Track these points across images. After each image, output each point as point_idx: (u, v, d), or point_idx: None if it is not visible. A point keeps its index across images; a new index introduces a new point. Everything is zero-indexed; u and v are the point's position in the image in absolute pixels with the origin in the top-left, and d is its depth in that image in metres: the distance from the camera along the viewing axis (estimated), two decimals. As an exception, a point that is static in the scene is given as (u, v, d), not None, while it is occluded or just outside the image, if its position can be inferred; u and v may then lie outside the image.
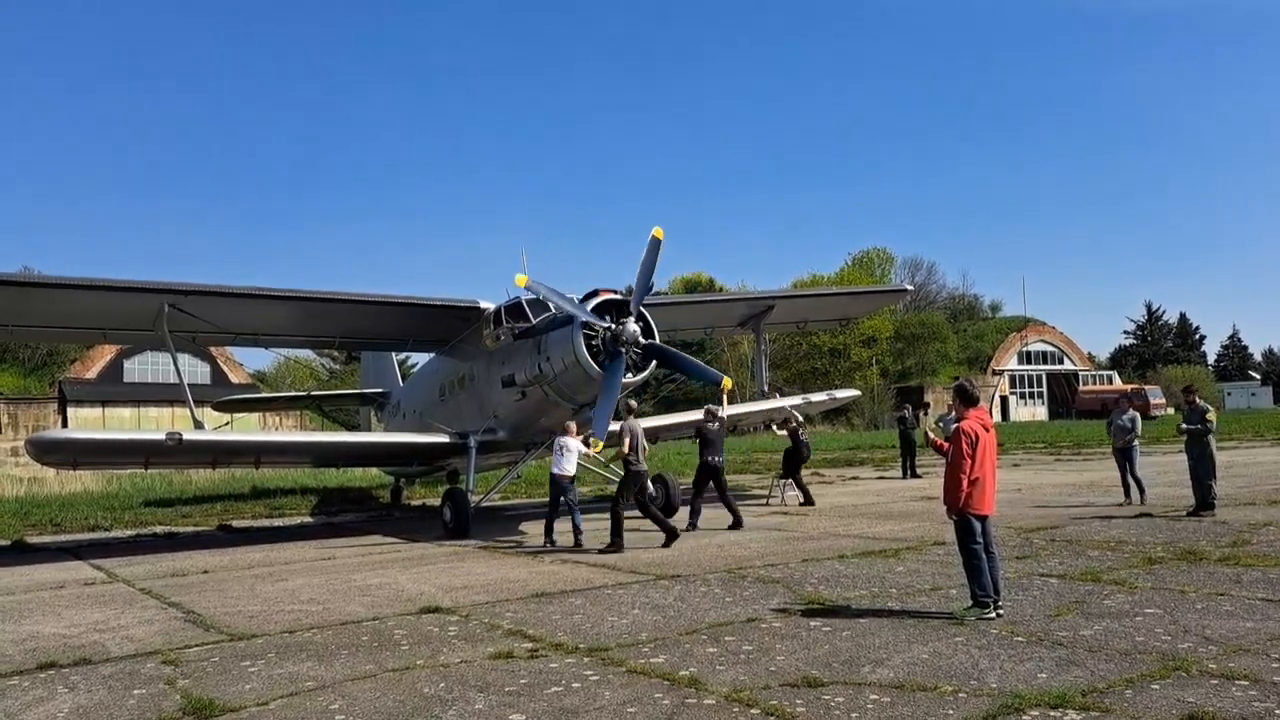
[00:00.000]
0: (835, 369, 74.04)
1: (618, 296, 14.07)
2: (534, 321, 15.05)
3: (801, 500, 17.98)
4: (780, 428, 19.11)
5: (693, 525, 14.38)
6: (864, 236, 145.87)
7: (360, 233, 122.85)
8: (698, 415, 20.40)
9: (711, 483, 14.34)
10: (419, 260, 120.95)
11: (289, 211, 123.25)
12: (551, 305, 14.20)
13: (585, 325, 13.68)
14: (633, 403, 13.17)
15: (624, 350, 13.53)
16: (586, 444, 13.13)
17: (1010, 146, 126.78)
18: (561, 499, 13.08)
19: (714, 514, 16.69)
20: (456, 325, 17.04)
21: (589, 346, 13.64)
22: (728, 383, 14.03)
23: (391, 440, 17.13)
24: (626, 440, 12.56)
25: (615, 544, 12.26)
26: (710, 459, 14.46)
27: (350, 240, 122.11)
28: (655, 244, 13.66)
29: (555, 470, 13.33)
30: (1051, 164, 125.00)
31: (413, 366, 68.86)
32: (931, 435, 8.70)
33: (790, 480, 19.08)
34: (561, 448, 13.17)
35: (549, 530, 13.31)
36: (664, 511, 16.50)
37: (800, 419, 19.51)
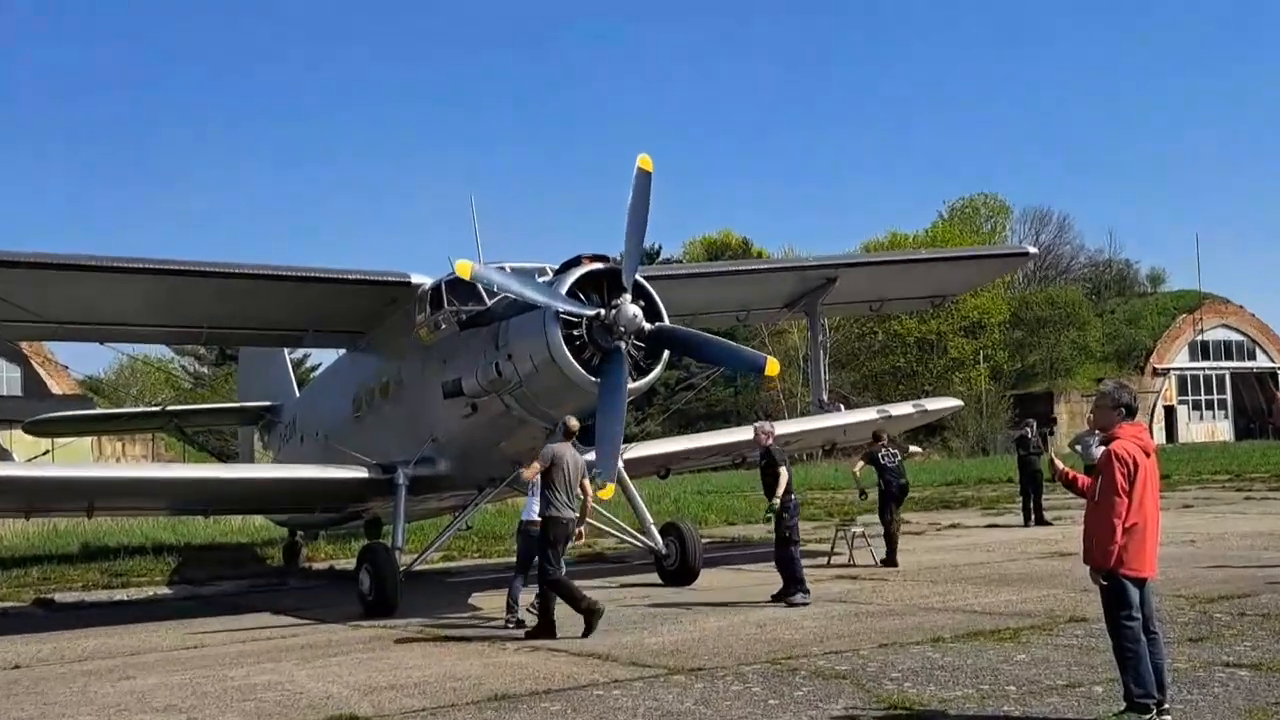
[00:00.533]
0: (925, 369, 74.25)
1: (609, 265, 14.09)
2: (489, 303, 15.10)
3: (883, 558, 18.00)
4: (870, 451, 19.01)
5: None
6: (963, 180, 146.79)
7: (265, 195, 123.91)
8: (728, 436, 20.58)
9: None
10: (347, 229, 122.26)
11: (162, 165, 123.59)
12: (512, 293, 14.22)
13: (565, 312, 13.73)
14: (572, 421, 13.12)
15: (623, 343, 13.58)
16: (592, 481, 13.30)
17: (1180, 48, 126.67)
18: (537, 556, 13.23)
19: (726, 578, 16.70)
20: (378, 309, 17.09)
21: (570, 338, 13.67)
22: (774, 365, 14.12)
23: (284, 476, 17.21)
24: (531, 469, 12.65)
25: (543, 625, 12.46)
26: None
27: (252, 204, 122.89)
28: (644, 181, 13.78)
29: (525, 516, 13.42)
30: (1241, 75, 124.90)
31: (313, 370, 69.51)
32: (1059, 465, 8.63)
33: (859, 531, 19.11)
34: (536, 486, 13.31)
35: (513, 602, 13.38)
36: (682, 574, 16.59)
37: (887, 435, 19.57)
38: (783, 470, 14.31)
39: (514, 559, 14.06)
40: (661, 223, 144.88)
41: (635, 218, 13.78)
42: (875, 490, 18.91)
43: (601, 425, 13.50)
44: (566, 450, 12.76)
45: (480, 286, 14.95)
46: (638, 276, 13.98)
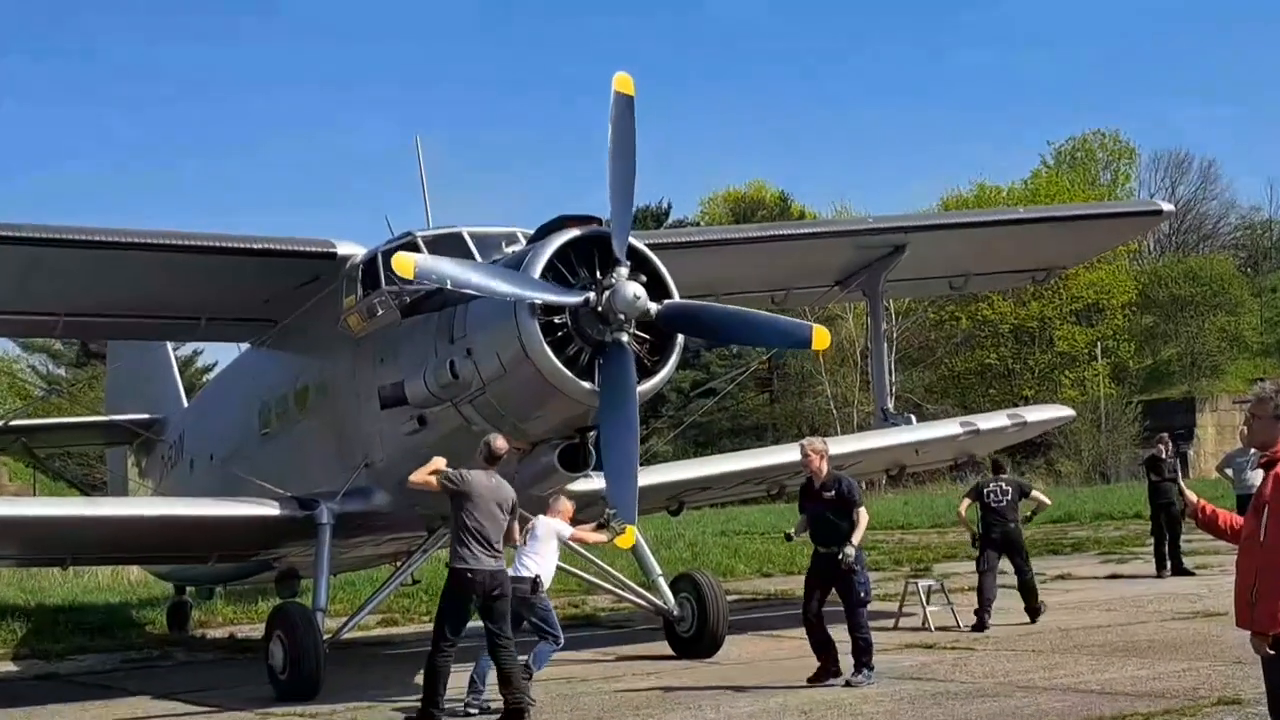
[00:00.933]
0: (1025, 368, 74.30)
1: (601, 230, 14.10)
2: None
3: (975, 622, 18.08)
4: (978, 484, 18.97)
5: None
6: (1074, 115, 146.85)
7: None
8: (761, 458, 20.53)
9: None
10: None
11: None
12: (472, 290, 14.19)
13: (544, 279, 13.71)
14: (498, 442, 13.09)
15: (624, 334, 13.60)
16: (607, 526, 13.61)
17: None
18: (523, 622, 13.37)
19: (760, 648, 16.66)
20: (293, 290, 17.11)
21: (550, 327, 13.67)
22: (823, 335, 14.20)
23: (168, 514, 17.18)
24: (420, 473, 13.12)
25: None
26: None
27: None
28: (625, 110, 13.93)
29: (512, 571, 13.46)
30: None
31: (207, 372, 69.58)
32: (1191, 497, 8.52)
33: (936, 585, 19.06)
34: (531, 530, 13.55)
35: (478, 679, 13.49)
36: (700, 644, 16.54)
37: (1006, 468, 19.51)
38: (863, 509, 14.16)
39: (478, 623, 14.06)
40: (671, 173, 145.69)
41: (619, 161, 13.85)
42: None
43: (610, 445, 13.65)
44: (484, 479, 12.80)
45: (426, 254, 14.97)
46: (635, 241, 14.00)
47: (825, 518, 14.21)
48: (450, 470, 12.90)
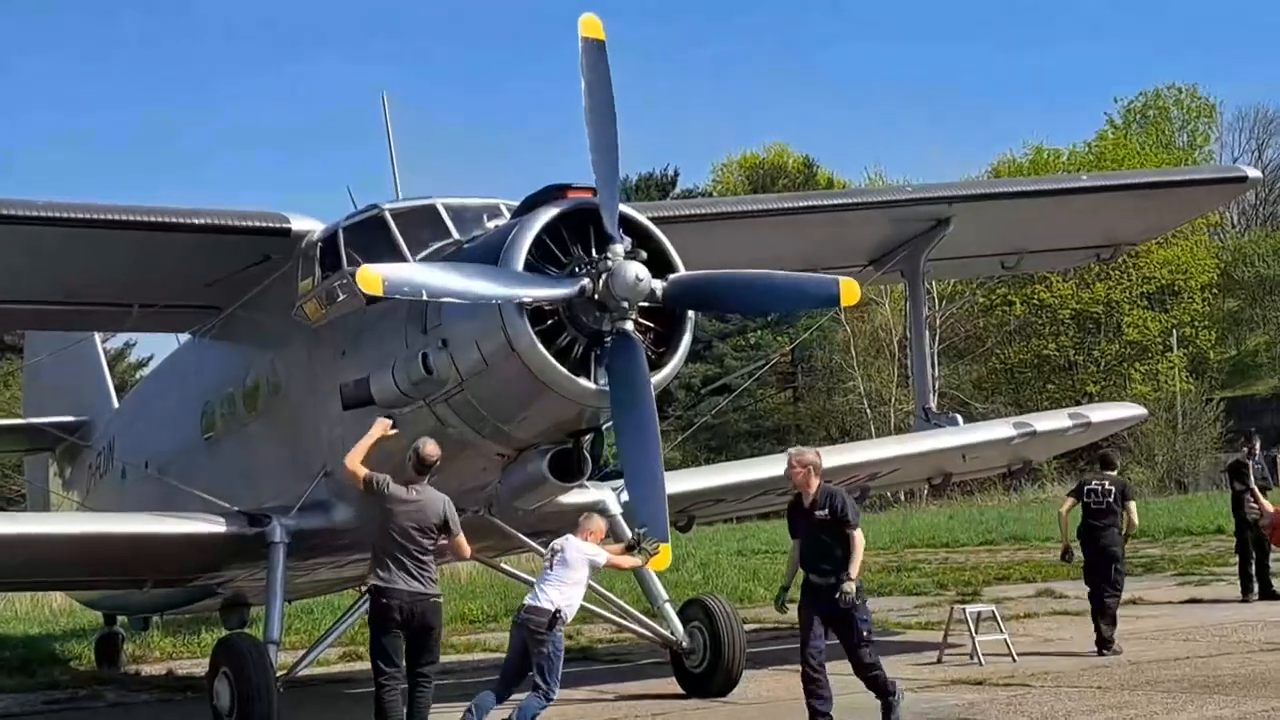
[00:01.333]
0: (1088, 360, 74.21)
1: (590, 200, 14.17)
2: (412, 260, 15.12)
3: (1097, 643, 18.09)
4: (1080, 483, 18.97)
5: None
6: (1145, 68, 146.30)
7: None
8: (783, 466, 20.50)
9: None
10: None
11: None
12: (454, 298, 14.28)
13: (532, 258, 13.76)
14: (429, 447, 13.42)
15: (628, 322, 13.64)
16: (638, 548, 13.77)
17: None
18: (535, 656, 13.41)
19: (781, 684, 16.70)
20: (240, 273, 17.10)
21: (540, 315, 13.73)
22: (852, 288, 14.24)
23: (96, 532, 17.16)
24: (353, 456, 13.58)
25: None
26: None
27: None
28: (596, 56, 14.05)
29: (530, 600, 13.57)
30: None
31: (140, 368, 69.61)
32: (1265, 505, 8.54)
33: (986, 611, 19.08)
34: (558, 554, 13.57)
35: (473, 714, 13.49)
36: (712, 680, 16.58)
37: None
38: (858, 533, 13.93)
39: (463, 659, 14.20)
40: (678, 136, 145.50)
41: (598, 121, 13.88)
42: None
43: (628, 451, 13.82)
44: (401, 494, 13.09)
45: (394, 229, 15.09)
46: (630, 211, 14.14)
47: (819, 540, 13.75)
48: (376, 474, 13.25)
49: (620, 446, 14.01)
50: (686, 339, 14.39)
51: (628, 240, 13.76)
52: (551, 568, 13.58)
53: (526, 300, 13.53)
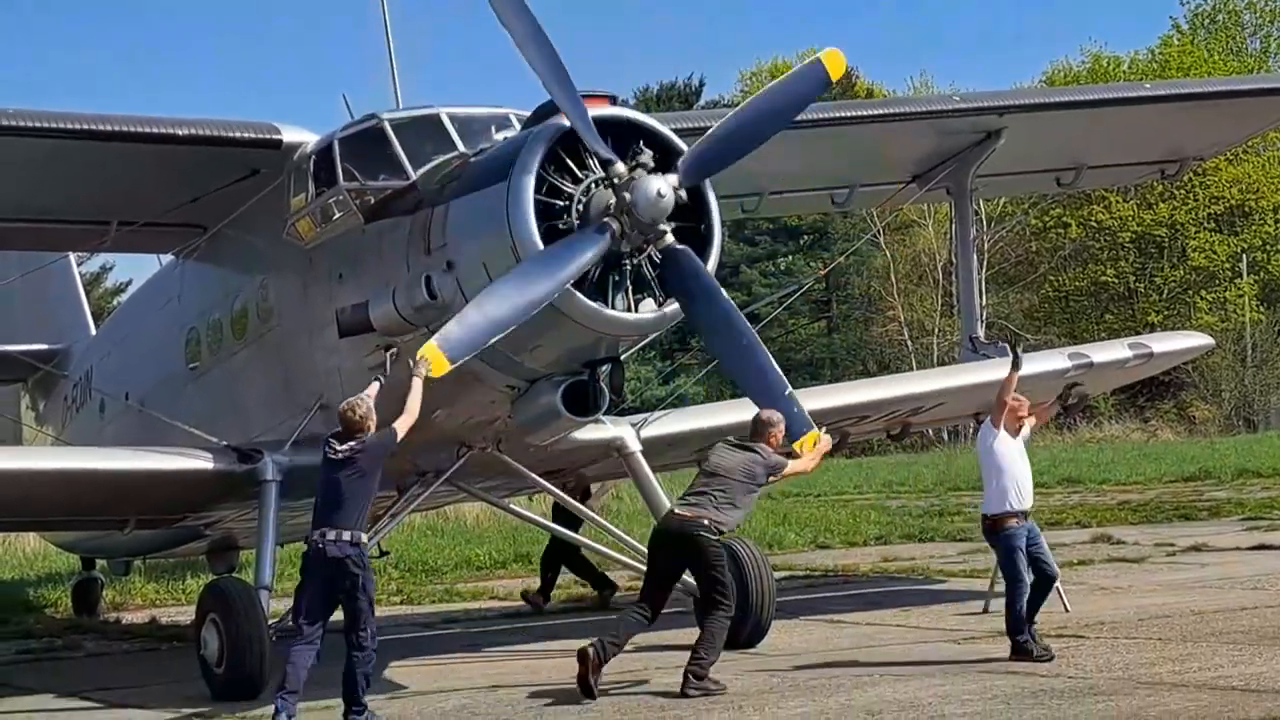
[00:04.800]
0: (1150, 287, 73.92)
1: (615, 113, 14.18)
2: (413, 175, 15.22)
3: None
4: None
5: None
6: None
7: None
8: (815, 400, 20.50)
9: None
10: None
11: None
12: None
13: (545, 172, 13.76)
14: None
15: (667, 236, 13.65)
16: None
17: None
18: None
19: (815, 635, 16.75)
20: (227, 188, 17.09)
21: (554, 232, 13.70)
22: (836, 57, 14.63)
23: (73, 468, 17.27)
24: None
25: None
26: None
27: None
28: None
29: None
30: None
31: (119, 292, 69.58)
32: None
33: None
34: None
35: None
36: (740, 630, 16.67)
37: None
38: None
39: (468, 607, 14.25)
40: (703, 43, 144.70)
41: (530, 49, 13.70)
42: None
43: (739, 366, 14.43)
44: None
45: (394, 141, 15.13)
46: (616, 112, 14.21)
47: None
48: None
49: (725, 364, 14.72)
50: (716, 216, 14.42)
51: (647, 154, 13.72)
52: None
53: (574, 276, 13.41)
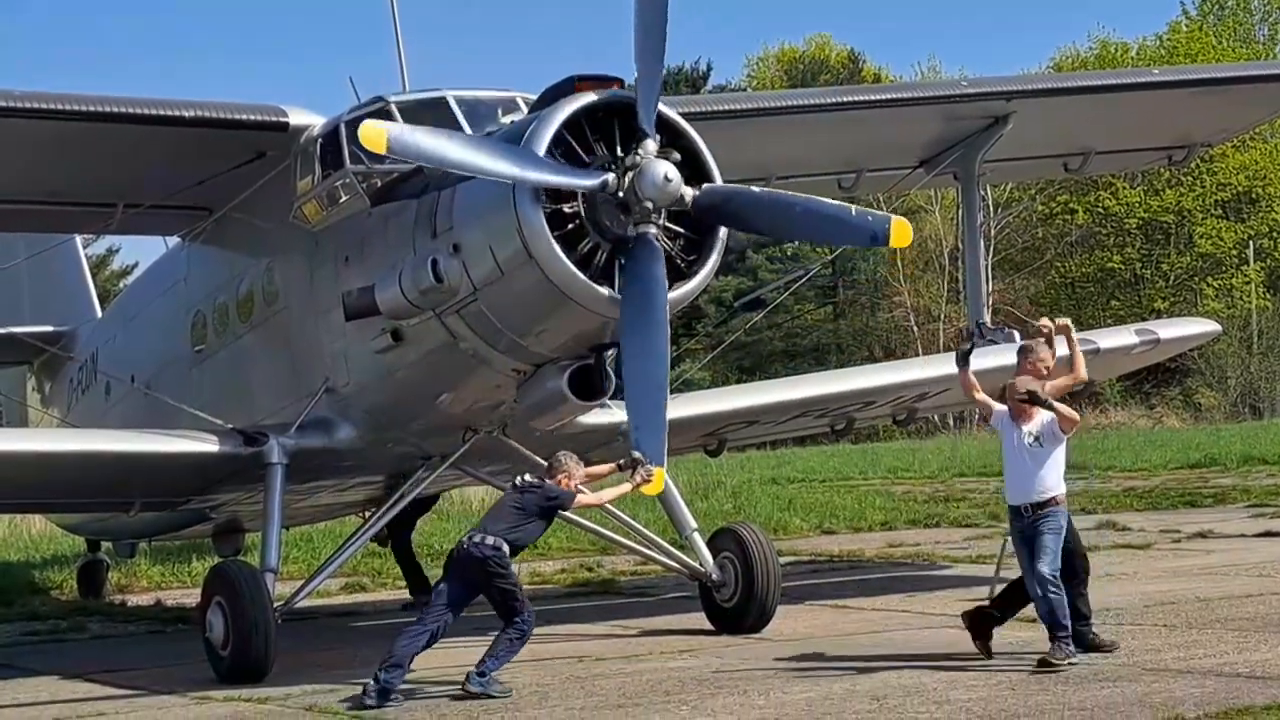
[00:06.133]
0: (1157, 273, 73.92)
1: (621, 96, 14.13)
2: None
3: None
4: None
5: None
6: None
7: None
8: (822, 385, 20.54)
9: None
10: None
11: None
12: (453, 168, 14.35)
13: (552, 156, 13.66)
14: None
15: (650, 226, 13.62)
16: (633, 472, 13.78)
17: None
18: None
19: (821, 620, 16.76)
20: (233, 171, 17.11)
21: (559, 218, 13.70)
22: (903, 229, 14.04)
23: (79, 450, 17.28)
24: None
25: None
26: None
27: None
28: None
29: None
30: None
31: (126, 275, 69.64)
32: None
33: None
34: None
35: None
36: (745, 615, 16.69)
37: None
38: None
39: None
40: (711, 26, 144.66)
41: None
42: None
43: (633, 367, 13.79)
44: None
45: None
46: (665, 109, 13.96)
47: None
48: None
49: (625, 361, 13.96)
50: (717, 253, 14.33)
51: (657, 138, 13.71)
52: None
53: (541, 182, 13.42)
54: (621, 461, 14.05)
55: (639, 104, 13.67)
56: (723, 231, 14.32)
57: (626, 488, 14.17)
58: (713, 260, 14.31)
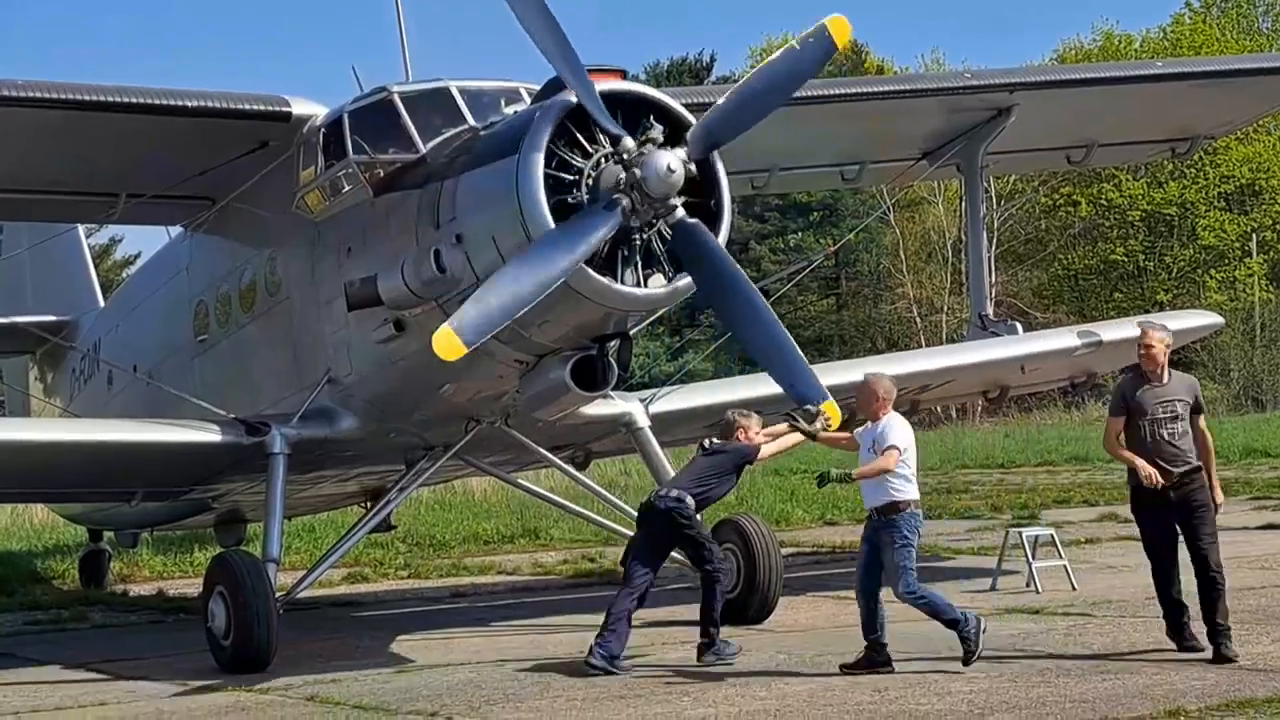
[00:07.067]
0: (1159, 266, 73.88)
1: (629, 89, 14.18)
2: (423, 149, 15.24)
3: None
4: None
5: None
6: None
7: None
8: (826, 377, 20.50)
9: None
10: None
11: None
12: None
13: (555, 147, 13.74)
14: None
15: (678, 210, 13.64)
16: (804, 419, 14.31)
17: None
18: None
19: (821, 612, 16.75)
20: (235, 161, 17.14)
21: (564, 208, 13.68)
22: (840, 26, 14.21)
23: (81, 440, 17.33)
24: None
25: None
26: None
27: None
28: None
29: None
30: None
31: (129, 265, 69.62)
32: None
33: (1044, 535, 19.06)
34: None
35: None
36: (747, 606, 16.71)
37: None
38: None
39: (477, 581, 14.24)
40: (714, 17, 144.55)
41: (532, 21, 13.67)
42: None
43: (749, 333, 14.40)
44: None
45: (404, 115, 15.11)
46: (622, 86, 14.14)
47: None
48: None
49: (741, 334, 14.51)
50: (726, 189, 14.33)
51: (657, 129, 13.68)
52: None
53: (581, 258, 13.32)
54: (792, 414, 14.46)
55: (589, 108, 13.54)
56: (721, 167, 14.32)
57: (798, 437, 14.69)
58: (726, 198, 14.31)
